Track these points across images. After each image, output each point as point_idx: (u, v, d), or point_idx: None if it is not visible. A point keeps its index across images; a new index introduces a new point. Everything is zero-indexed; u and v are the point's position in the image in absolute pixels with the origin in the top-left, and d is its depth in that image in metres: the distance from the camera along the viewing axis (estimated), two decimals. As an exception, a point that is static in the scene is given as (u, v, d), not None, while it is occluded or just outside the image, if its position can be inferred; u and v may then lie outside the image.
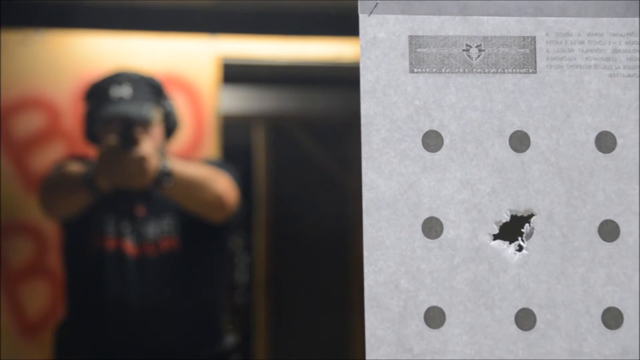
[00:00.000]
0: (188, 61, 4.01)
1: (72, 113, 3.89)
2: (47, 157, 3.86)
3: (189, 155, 3.83)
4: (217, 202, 2.64)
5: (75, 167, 2.64)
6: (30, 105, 3.87)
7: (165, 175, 2.53)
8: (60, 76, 3.89)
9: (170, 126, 2.76)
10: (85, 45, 3.94)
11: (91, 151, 3.48)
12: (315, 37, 4.09)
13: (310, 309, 5.19)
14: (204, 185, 2.60)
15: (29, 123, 3.87)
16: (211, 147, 4.00)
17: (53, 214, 2.75)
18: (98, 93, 2.69)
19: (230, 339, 2.83)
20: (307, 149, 5.24)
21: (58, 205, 2.67)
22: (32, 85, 3.87)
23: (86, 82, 3.83)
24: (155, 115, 2.67)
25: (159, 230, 2.70)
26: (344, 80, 4.14)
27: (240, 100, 5.00)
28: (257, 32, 4.06)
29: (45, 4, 3.85)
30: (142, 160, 2.48)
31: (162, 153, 2.60)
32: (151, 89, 2.70)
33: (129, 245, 2.67)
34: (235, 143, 4.95)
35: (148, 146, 2.50)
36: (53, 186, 2.66)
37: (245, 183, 2.90)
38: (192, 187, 2.59)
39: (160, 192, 2.59)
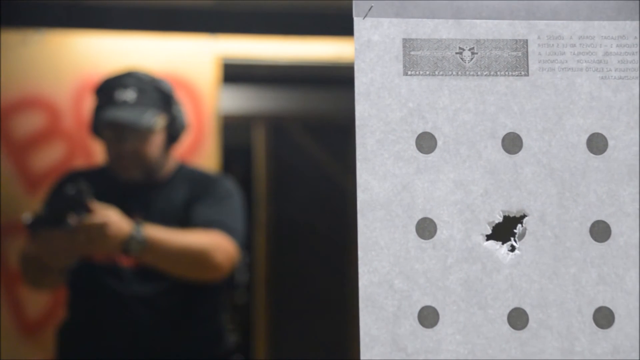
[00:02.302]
0: (188, 61, 4.02)
1: (72, 113, 3.90)
2: (47, 157, 3.87)
3: (188, 155, 3.84)
4: (214, 272, 2.59)
5: (33, 248, 2.58)
6: (30, 105, 3.88)
7: (136, 242, 2.46)
8: (60, 76, 3.90)
9: (175, 133, 2.73)
10: (85, 45, 3.95)
11: (94, 145, 3.50)
12: (315, 37, 4.10)
13: (310, 309, 5.20)
14: (200, 257, 2.54)
15: (29, 123, 3.88)
16: (211, 147, 4.01)
17: (42, 290, 2.74)
18: (105, 92, 2.67)
19: (230, 339, 2.84)
20: (307, 149, 5.25)
21: (43, 286, 2.67)
22: (32, 85, 3.88)
23: (86, 82, 3.85)
24: (158, 122, 2.65)
25: None
26: (344, 80, 4.16)
27: (240, 100, 5.01)
28: (257, 32, 4.07)
29: (45, 4, 3.86)
30: (102, 227, 2.43)
31: (137, 222, 2.52)
32: (159, 94, 2.67)
33: (123, 257, 2.64)
34: (235, 143, 4.96)
35: (111, 213, 2.45)
36: (29, 272, 2.62)
37: (245, 183, 2.89)
38: (180, 258, 2.52)
39: (138, 260, 2.53)
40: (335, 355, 5.07)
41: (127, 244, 2.45)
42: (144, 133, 2.63)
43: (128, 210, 2.68)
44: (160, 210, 2.68)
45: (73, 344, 2.71)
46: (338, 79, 4.63)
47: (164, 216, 2.67)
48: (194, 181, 2.74)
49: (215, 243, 2.58)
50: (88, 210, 2.45)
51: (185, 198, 2.70)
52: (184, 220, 2.66)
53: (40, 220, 2.47)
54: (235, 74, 4.48)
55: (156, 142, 2.67)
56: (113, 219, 2.44)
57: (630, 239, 1.05)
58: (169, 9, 3.97)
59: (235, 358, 2.83)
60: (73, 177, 2.76)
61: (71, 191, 2.47)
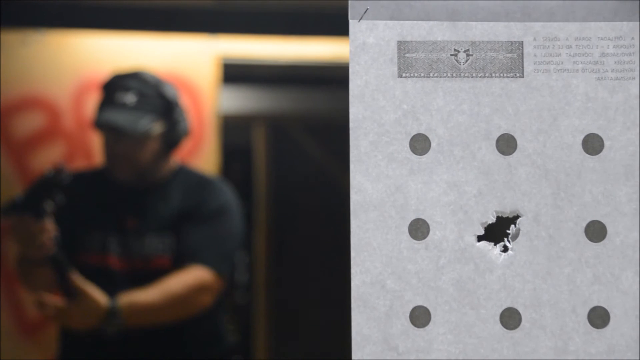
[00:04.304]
0: (188, 61, 4.02)
1: (72, 113, 3.90)
2: (47, 157, 3.87)
3: (188, 156, 3.84)
4: (195, 311, 2.63)
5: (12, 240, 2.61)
6: (30, 105, 3.88)
7: (112, 317, 2.49)
8: (60, 76, 3.90)
9: (175, 139, 2.70)
10: (85, 45, 3.95)
11: (94, 145, 3.49)
12: (315, 37, 4.10)
13: (310, 309, 5.20)
14: (181, 305, 2.57)
15: (29, 123, 3.88)
16: (211, 147, 4.01)
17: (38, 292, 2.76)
18: (108, 90, 2.66)
19: (230, 339, 2.83)
20: (307, 149, 5.26)
21: (37, 287, 2.68)
22: (32, 85, 3.88)
23: (86, 82, 3.85)
24: (154, 128, 2.63)
25: (154, 248, 2.65)
26: (344, 80, 4.15)
27: (240, 100, 5.02)
28: (257, 32, 4.07)
29: (45, 4, 3.86)
30: (76, 312, 2.47)
31: (113, 298, 2.52)
32: (161, 100, 2.64)
33: (114, 260, 2.63)
34: (235, 143, 4.97)
35: (86, 294, 2.47)
36: (21, 273, 2.63)
37: (245, 183, 2.89)
38: (162, 313, 2.56)
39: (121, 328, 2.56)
40: (335, 355, 5.07)
41: (105, 324, 2.49)
42: (138, 138, 2.62)
43: (122, 213, 2.68)
44: (154, 214, 2.68)
45: (74, 346, 2.71)
46: (338, 79, 4.63)
47: (158, 220, 2.66)
48: (190, 188, 2.72)
49: (195, 285, 2.59)
50: (63, 194, 2.45)
51: (179, 206, 2.69)
52: (177, 227, 2.66)
53: (15, 206, 2.47)
54: (235, 74, 4.49)
55: (151, 147, 2.65)
56: (83, 304, 2.46)
57: (626, 239, 1.05)
58: (169, 9, 3.97)
59: (235, 358, 2.83)
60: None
61: (49, 174, 2.47)
